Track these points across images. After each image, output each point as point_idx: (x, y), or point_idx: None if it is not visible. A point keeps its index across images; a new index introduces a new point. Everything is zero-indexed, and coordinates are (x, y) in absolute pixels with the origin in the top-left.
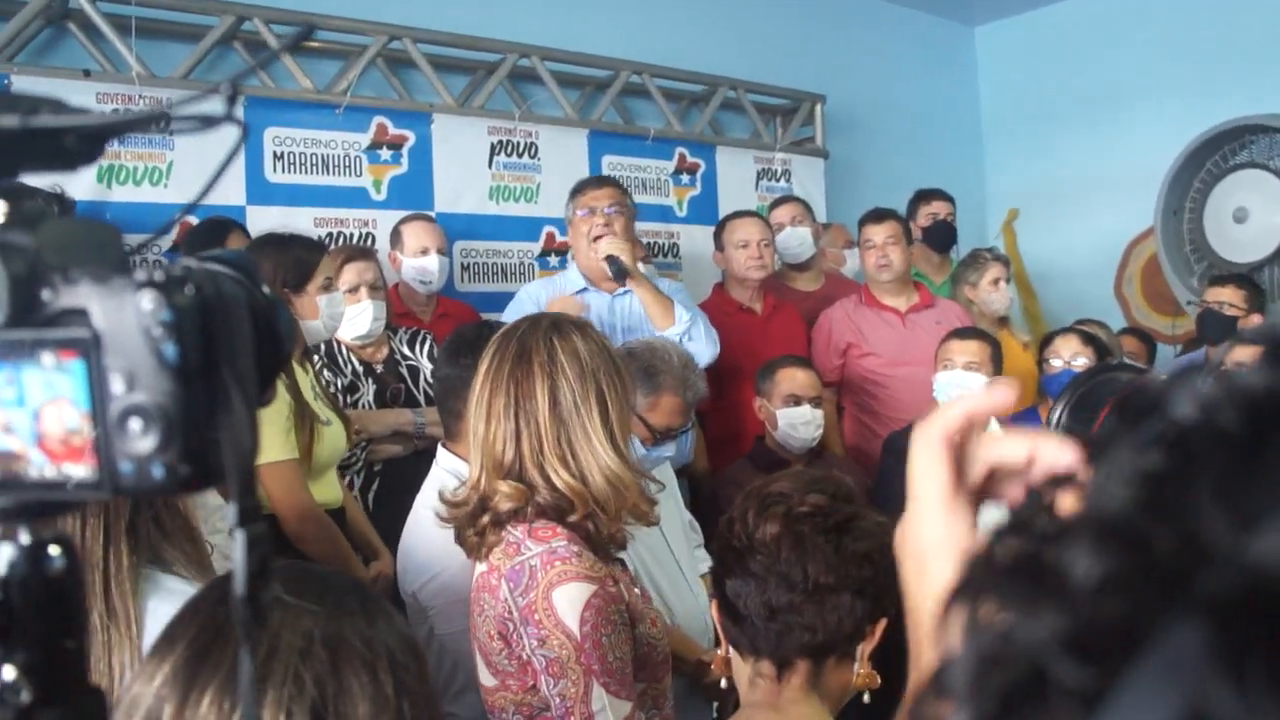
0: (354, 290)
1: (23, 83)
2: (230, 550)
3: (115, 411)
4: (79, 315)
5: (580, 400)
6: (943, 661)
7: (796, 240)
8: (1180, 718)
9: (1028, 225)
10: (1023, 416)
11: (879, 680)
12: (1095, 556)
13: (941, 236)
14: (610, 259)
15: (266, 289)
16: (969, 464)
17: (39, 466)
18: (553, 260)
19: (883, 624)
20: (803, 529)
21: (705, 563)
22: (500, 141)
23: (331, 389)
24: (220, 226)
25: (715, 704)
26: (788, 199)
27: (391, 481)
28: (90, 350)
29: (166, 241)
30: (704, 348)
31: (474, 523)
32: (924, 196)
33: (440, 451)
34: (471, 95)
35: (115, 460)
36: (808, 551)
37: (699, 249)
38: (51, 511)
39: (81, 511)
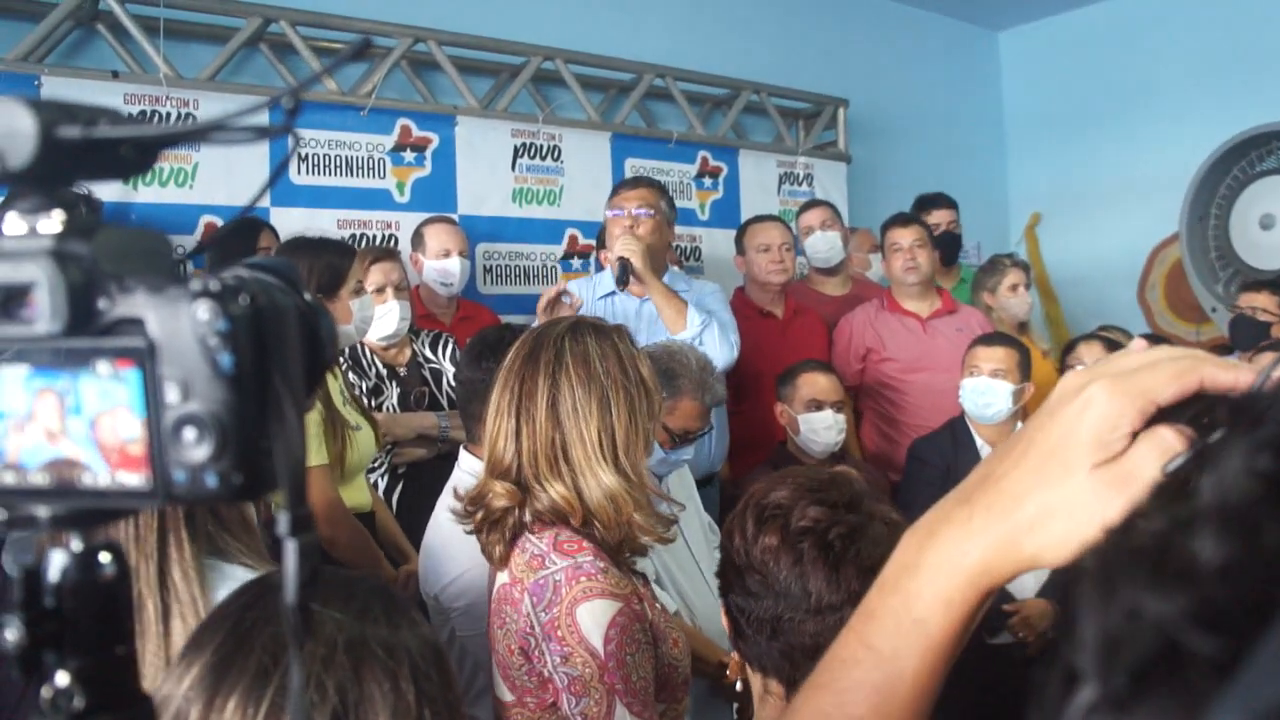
0: (380, 291)
1: (52, 84)
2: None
3: (170, 421)
4: (135, 324)
5: (580, 404)
6: (1066, 642)
7: (826, 245)
8: None
9: (1050, 230)
10: None
11: None
12: (1218, 543)
13: (946, 248)
14: (619, 260)
15: (309, 296)
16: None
17: (94, 474)
18: (575, 263)
19: None
20: (801, 545)
21: None
22: (523, 144)
23: (357, 391)
24: (251, 227)
25: (735, 705)
26: (817, 203)
27: (416, 485)
28: (146, 359)
29: (189, 241)
30: (717, 352)
31: (471, 519)
32: (925, 204)
33: (462, 454)
34: (495, 98)
35: (169, 469)
36: (806, 571)
37: (721, 252)
38: (104, 519)
39: None
